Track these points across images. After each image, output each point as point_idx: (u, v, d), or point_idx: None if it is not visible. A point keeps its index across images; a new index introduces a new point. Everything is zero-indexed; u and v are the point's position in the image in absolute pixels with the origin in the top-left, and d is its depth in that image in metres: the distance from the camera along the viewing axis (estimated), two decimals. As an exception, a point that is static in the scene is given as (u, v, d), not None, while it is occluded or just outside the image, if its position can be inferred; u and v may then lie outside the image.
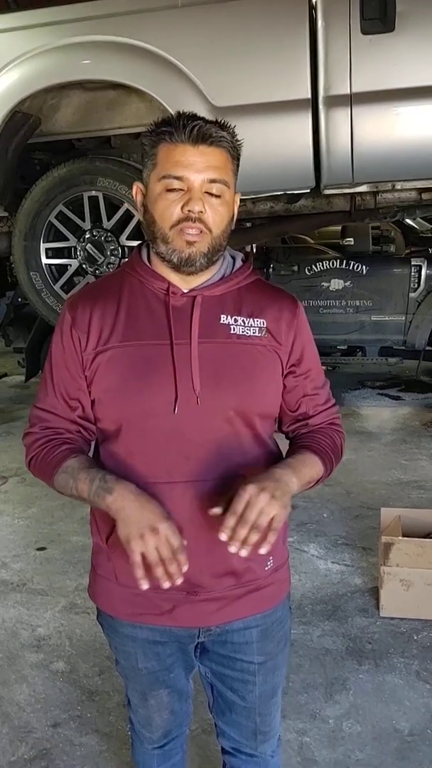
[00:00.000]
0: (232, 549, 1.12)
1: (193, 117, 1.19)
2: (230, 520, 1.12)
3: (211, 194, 1.19)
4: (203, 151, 1.17)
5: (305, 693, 2.36)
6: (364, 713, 2.26)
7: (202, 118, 1.19)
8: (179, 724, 1.52)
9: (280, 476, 1.19)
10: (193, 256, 1.21)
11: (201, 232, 1.19)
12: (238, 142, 1.24)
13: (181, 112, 1.21)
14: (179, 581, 1.14)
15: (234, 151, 1.22)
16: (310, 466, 1.29)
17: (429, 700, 2.30)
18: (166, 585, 1.13)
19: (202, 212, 1.18)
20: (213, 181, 1.19)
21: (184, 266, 1.22)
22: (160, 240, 1.22)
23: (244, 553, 1.13)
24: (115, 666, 1.50)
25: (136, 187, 1.27)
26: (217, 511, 1.16)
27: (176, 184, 1.18)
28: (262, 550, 1.14)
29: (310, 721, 2.23)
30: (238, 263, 1.33)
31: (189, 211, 1.18)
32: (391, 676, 2.43)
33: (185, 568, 1.14)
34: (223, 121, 1.21)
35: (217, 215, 1.21)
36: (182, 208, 1.18)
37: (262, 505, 1.12)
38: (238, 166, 1.25)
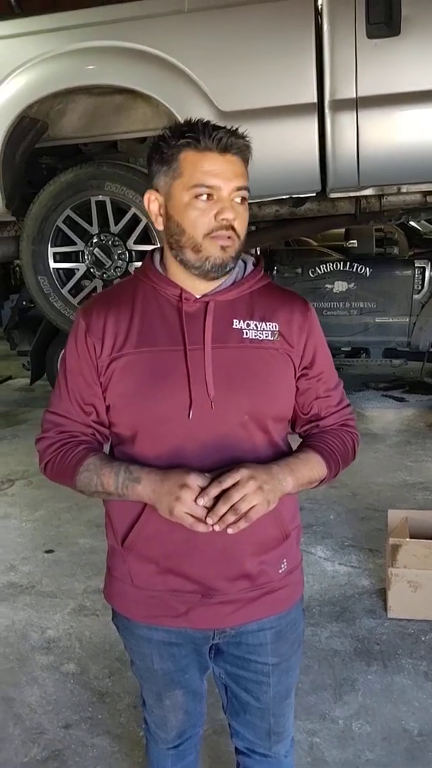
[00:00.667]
0: (209, 521, 1.14)
1: (215, 126, 1.20)
2: (213, 490, 1.15)
3: (237, 202, 1.21)
4: (229, 159, 1.19)
5: (314, 694, 2.37)
6: (374, 714, 2.27)
7: (223, 127, 1.21)
8: (193, 724, 1.53)
9: (275, 473, 1.22)
10: (226, 261, 1.23)
11: (230, 238, 1.21)
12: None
13: (198, 119, 1.22)
14: (233, 518, 1.15)
15: (249, 157, 1.25)
16: (311, 467, 1.30)
17: (438, 701, 2.31)
18: (231, 530, 1.15)
19: (234, 220, 1.20)
20: (240, 188, 1.21)
21: (217, 272, 1.23)
22: (190, 249, 1.22)
23: (217, 528, 1.15)
24: (130, 667, 1.51)
25: (150, 195, 1.26)
26: (204, 501, 1.16)
27: (208, 192, 1.19)
28: (230, 530, 1.15)
29: (319, 722, 2.25)
30: (250, 267, 1.35)
31: (224, 219, 1.19)
32: (399, 677, 2.45)
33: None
34: (238, 129, 1.23)
35: (243, 221, 1.23)
36: (216, 216, 1.19)
37: (248, 491, 1.15)
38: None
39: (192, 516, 1.15)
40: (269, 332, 1.29)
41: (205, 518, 1.15)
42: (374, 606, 2.88)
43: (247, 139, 1.22)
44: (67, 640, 2.74)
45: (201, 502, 1.15)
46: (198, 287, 1.28)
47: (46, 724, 2.29)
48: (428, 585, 2.71)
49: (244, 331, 1.28)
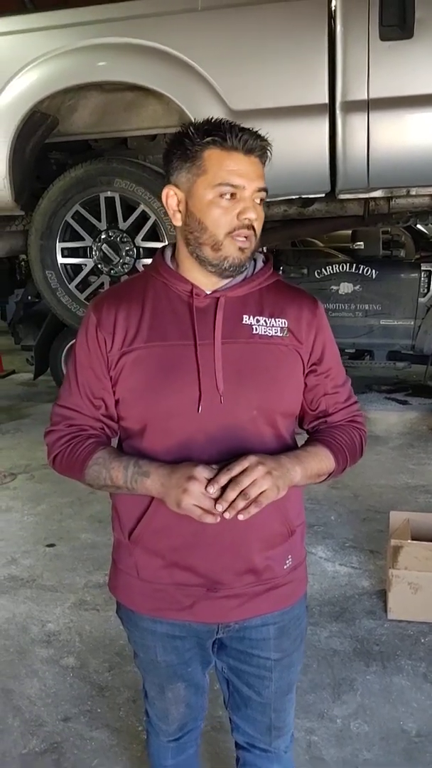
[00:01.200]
0: (219, 508, 1.15)
1: (241, 127, 1.21)
2: (222, 477, 1.16)
3: (256, 202, 1.23)
4: (253, 161, 1.21)
5: (313, 693, 2.38)
6: (372, 714, 2.28)
7: (248, 129, 1.22)
8: (194, 717, 1.54)
9: (284, 462, 1.23)
10: (243, 261, 1.25)
11: (248, 238, 1.23)
12: None
13: (218, 118, 1.23)
14: (243, 503, 1.15)
15: (268, 161, 1.26)
16: (319, 460, 1.31)
17: (436, 703, 2.32)
18: (242, 516, 1.15)
19: (255, 219, 1.22)
20: (260, 189, 1.23)
21: (231, 271, 1.25)
22: (210, 247, 1.24)
23: (228, 515, 1.15)
24: (133, 659, 1.52)
25: (169, 191, 1.27)
26: (213, 490, 1.17)
27: (232, 191, 1.21)
28: (241, 516, 1.16)
29: (318, 721, 2.25)
30: (260, 264, 1.36)
31: (246, 219, 1.21)
32: (398, 677, 2.45)
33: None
34: (259, 131, 1.24)
35: (261, 221, 1.25)
36: (238, 216, 1.21)
37: (257, 476, 1.16)
38: None
39: (200, 508, 1.16)
40: (278, 328, 1.30)
41: (215, 507, 1.15)
42: (374, 607, 2.89)
43: (268, 142, 1.24)
44: (67, 634, 2.75)
45: (210, 490, 1.15)
46: (209, 283, 1.29)
47: (45, 716, 2.30)
48: (429, 587, 2.71)
49: (254, 326, 1.29)
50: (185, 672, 1.44)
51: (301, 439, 1.40)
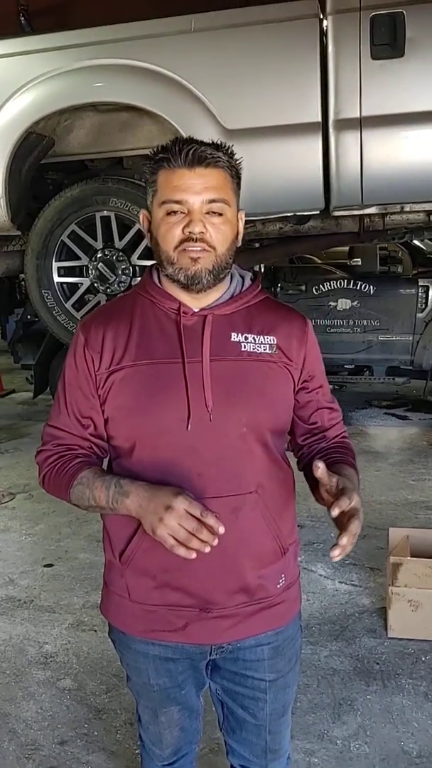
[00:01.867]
0: (336, 556, 1.11)
1: (189, 141, 1.23)
2: (341, 504, 1.13)
3: (213, 214, 1.23)
4: (200, 173, 1.21)
5: (313, 713, 2.35)
6: (372, 734, 2.25)
7: (199, 141, 1.23)
8: (189, 741, 1.52)
9: (358, 501, 1.19)
10: (199, 273, 1.23)
11: (203, 249, 1.22)
12: (237, 162, 1.27)
13: (177, 137, 1.26)
14: (215, 542, 1.13)
15: (232, 170, 1.26)
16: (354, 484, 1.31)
17: (438, 722, 2.29)
18: (206, 549, 1.13)
19: (203, 233, 1.21)
20: (212, 201, 1.22)
21: (191, 284, 1.25)
22: (166, 262, 1.25)
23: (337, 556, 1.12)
24: (126, 683, 1.50)
25: (143, 215, 1.31)
26: (320, 465, 1.15)
27: (176, 207, 1.22)
28: (221, 529, 1.14)
29: (318, 742, 2.22)
30: (248, 282, 1.36)
31: (190, 232, 1.21)
32: (399, 697, 2.42)
33: (221, 530, 1.13)
34: (219, 142, 1.25)
35: (220, 234, 1.24)
36: (183, 229, 1.22)
37: (356, 531, 1.14)
38: (239, 184, 1.29)
39: (174, 538, 1.13)
40: (267, 345, 1.31)
41: (332, 551, 1.12)
42: (375, 625, 2.86)
43: (226, 152, 1.24)
44: (64, 656, 2.73)
45: (335, 554, 1.12)
46: (194, 301, 1.29)
47: (42, 740, 2.27)
48: (428, 604, 2.69)
49: (242, 344, 1.29)
50: (179, 695, 1.42)
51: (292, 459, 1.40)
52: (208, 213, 1.22)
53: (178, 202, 1.21)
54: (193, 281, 1.24)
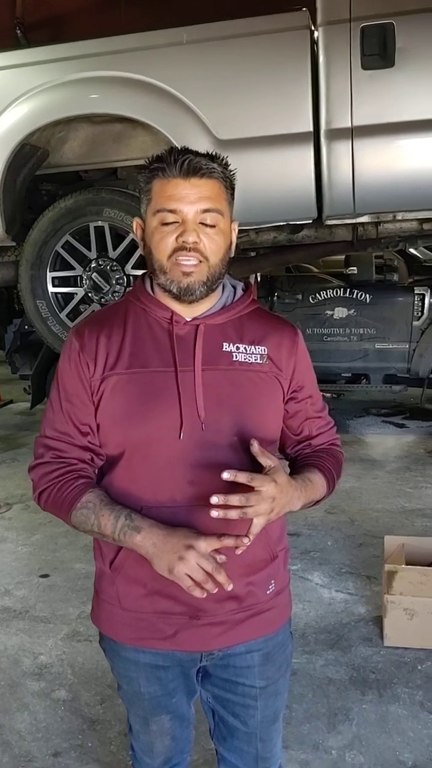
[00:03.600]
0: (214, 499, 1.11)
1: (184, 151, 1.23)
2: (241, 477, 1.13)
3: (206, 224, 1.23)
4: (195, 183, 1.22)
5: (308, 723, 2.34)
6: (368, 744, 2.24)
7: (194, 152, 1.24)
8: (180, 750, 1.51)
9: (290, 498, 1.21)
10: (192, 286, 1.24)
11: (199, 262, 1.23)
12: (231, 172, 1.28)
13: (172, 147, 1.26)
14: (230, 587, 1.15)
15: (227, 181, 1.27)
16: (316, 488, 1.32)
17: (433, 731, 2.28)
18: (214, 591, 1.15)
19: (196, 242, 1.22)
20: (206, 211, 1.23)
21: (184, 295, 1.26)
22: (159, 271, 1.26)
23: (215, 513, 1.12)
24: (117, 691, 1.50)
25: (136, 223, 1.32)
26: (227, 476, 1.15)
27: (171, 217, 1.22)
28: (238, 551, 1.16)
29: (312, 752, 2.21)
30: (239, 292, 1.37)
31: (183, 241, 1.22)
32: (394, 706, 2.41)
33: (230, 587, 1.15)
34: (214, 153, 1.26)
35: (213, 244, 1.24)
36: (177, 239, 1.22)
37: (262, 510, 1.14)
38: (233, 195, 1.30)
39: (191, 578, 1.14)
40: (258, 355, 1.32)
41: (219, 500, 1.11)
42: (371, 634, 2.85)
43: (221, 162, 1.25)
44: (59, 666, 2.71)
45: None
46: (186, 311, 1.30)
47: (35, 751, 2.26)
48: (424, 612, 2.68)
49: (234, 354, 1.30)
50: (169, 703, 1.42)
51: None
52: (201, 223, 1.23)
53: (172, 211, 1.22)
54: (186, 293, 1.25)
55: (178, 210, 1.22)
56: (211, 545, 1.14)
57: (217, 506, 1.12)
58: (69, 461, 1.31)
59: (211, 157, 1.25)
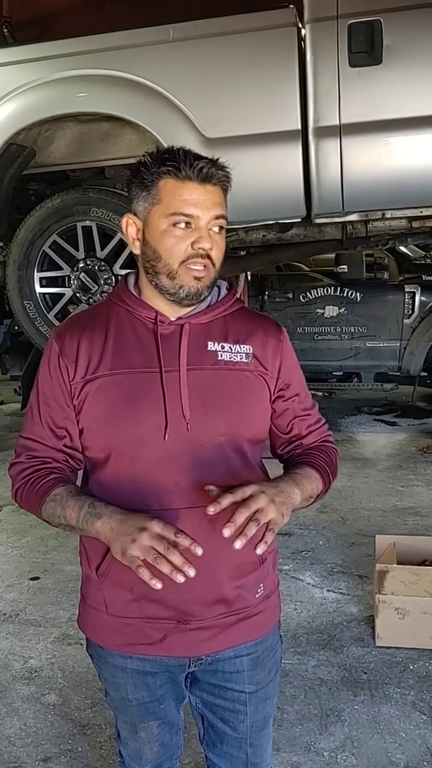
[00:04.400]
0: (226, 532, 1.08)
1: (196, 155, 1.21)
2: (226, 500, 1.11)
3: (214, 231, 1.23)
4: (209, 189, 1.21)
5: (300, 725, 2.33)
6: (360, 745, 2.23)
7: (204, 157, 1.22)
8: (169, 756, 1.49)
9: (282, 487, 1.20)
10: (201, 291, 1.24)
11: (205, 267, 1.23)
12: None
13: (179, 148, 1.23)
14: (192, 572, 1.09)
15: (227, 188, 1.26)
16: (311, 481, 1.30)
17: (425, 732, 2.27)
18: (180, 579, 1.09)
19: (211, 249, 1.22)
20: (217, 217, 1.22)
21: (188, 300, 1.25)
22: (165, 275, 1.23)
23: (238, 544, 1.08)
24: (105, 697, 1.48)
25: (128, 220, 1.28)
26: (212, 488, 1.13)
27: (185, 220, 1.20)
28: (259, 550, 1.12)
29: (304, 754, 2.19)
30: (223, 292, 1.36)
31: (200, 248, 1.21)
32: (386, 706, 2.40)
33: (199, 551, 1.10)
34: (219, 159, 1.24)
35: (219, 249, 1.25)
36: (192, 245, 1.21)
37: (262, 505, 1.11)
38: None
39: (140, 560, 1.09)
40: (243, 354, 1.31)
41: (222, 529, 1.08)
42: (362, 634, 2.84)
43: (228, 170, 1.24)
44: (49, 670, 2.69)
45: (226, 533, 1.09)
46: (172, 311, 1.29)
47: (25, 757, 2.24)
48: (416, 612, 2.67)
49: (219, 353, 1.29)
50: (158, 709, 1.40)
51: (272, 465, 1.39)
52: (210, 229, 1.22)
53: (188, 215, 1.20)
54: (194, 299, 1.25)
55: (195, 215, 1.20)
56: (165, 530, 1.10)
57: (212, 503, 1.10)
58: (43, 459, 1.32)
59: (220, 165, 1.23)
